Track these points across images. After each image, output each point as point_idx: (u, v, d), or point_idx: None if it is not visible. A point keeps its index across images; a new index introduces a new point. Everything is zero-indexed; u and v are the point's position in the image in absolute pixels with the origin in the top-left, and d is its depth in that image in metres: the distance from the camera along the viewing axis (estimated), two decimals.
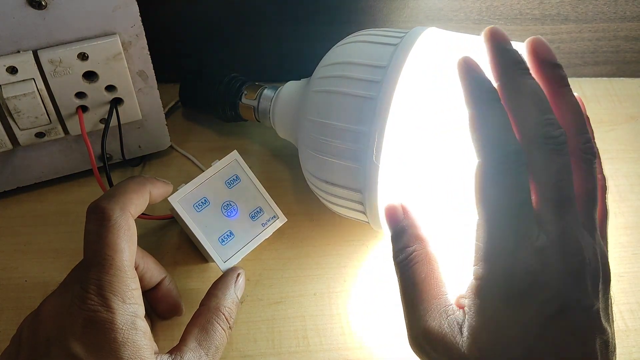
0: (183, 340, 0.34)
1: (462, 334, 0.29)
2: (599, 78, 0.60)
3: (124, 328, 0.30)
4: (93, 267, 0.31)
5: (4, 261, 0.43)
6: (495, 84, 0.31)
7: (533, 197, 0.29)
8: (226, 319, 0.36)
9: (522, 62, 0.31)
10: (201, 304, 0.37)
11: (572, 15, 0.53)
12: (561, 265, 0.28)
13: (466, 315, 0.30)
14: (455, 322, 0.30)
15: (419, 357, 0.32)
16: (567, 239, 0.28)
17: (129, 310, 0.31)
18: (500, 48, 0.31)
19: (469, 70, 0.31)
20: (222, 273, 0.39)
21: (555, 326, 0.28)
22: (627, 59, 0.58)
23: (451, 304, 0.31)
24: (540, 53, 0.31)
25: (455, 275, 0.33)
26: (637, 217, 0.49)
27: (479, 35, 0.38)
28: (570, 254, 0.28)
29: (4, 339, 0.39)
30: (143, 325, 0.31)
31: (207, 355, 0.34)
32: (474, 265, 0.29)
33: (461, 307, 0.31)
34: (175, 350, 0.33)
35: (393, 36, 0.37)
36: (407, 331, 0.33)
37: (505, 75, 0.31)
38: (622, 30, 0.55)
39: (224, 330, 0.35)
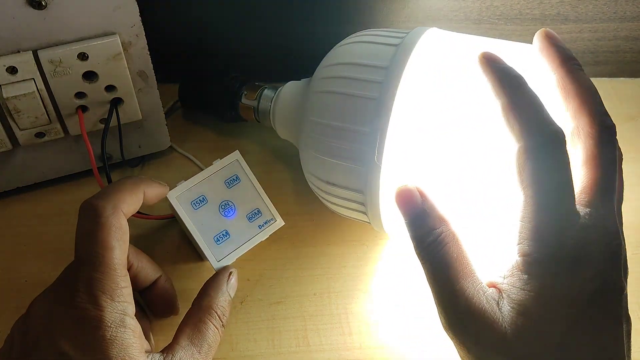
0: (175, 339, 0.34)
1: (500, 310, 0.30)
2: (599, 78, 0.60)
3: (112, 326, 0.30)
4: (83, 265, 0.31)
5: (4, 261, 0.43)
6: (553, 74, 0.32)
7: (584, 180, 0.31)
8: (219, 317, 0.36)
9: (576, 59, 0.33)
10: (193, 303, 0.37)
11: (572, 15, 0.53)
12: (602, 246, 0.29)
13: (506, 292, 0.30)
14: (492, 298, 0.30)
15: (458, 338, 0.31)
16: (609, 223, 0.30)
17: (118, 308, 0.31)
18: (558, 45, 0.33)
19: (491, 62, 0.32)
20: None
21: (595, 305, 0.29)
22: (627, 59, 0.58)
23: (482, 282, 0.31)
24: None
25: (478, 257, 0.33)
26: (637, 217, 0.49)
27: (479, 35, 0.38)
28: (610, 237, 0.30)
29: (3, 339, 0.39)
30: (132, 323, 0.31)
31: (199, 353, 0.34)
32: (518, 244, 0.30)
33: (493, 285, 0.31)
34: (167, 349, 0.33)
35: (394, 36, 0.37)
36: (444, 314, 0.32)
37: (565, 66, 0.32)
38: (622, 30, 0.55)
39: (216, 328, 0.35)
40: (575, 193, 0.30)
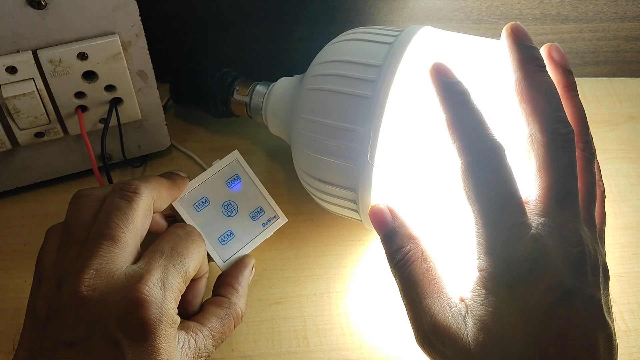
0: (201, 324, 0.34)
1: (466, 324, 0.30)
2: (599, 78, 0.60)
3: (169, 323, 0.30)
4: (165, 255, 0.32)
5: (4, 261, 0.43)
6: (513, 76, 0.32)
7: (538, 189, 0.30)
8: (241, 318, 0.37)
9: (540, 59, 0.32)
10: (220, 293, 0.37)
11: (572, 15, 0.53)
12: (561, 255, 0.29)
13: (469, 307, 0.30)
14: (458, 314, 0.30)
15: (428, 354, 0.32)
16: (567, 230, 0.29)
17: (175, 306, 0.31)
18: (520, 43, 0.32)
19: (439, 75, 0.32)
20: (222, 272, 0.40)
21: (557, 315, 0.28)
22: (627, 59, 0.58)
23: (451, 297, 0.31)
24: (555, 57, 0.33)
25: (454, 270, 0.33)
26: (637, 217, 0.49)
27: (478, 35, 0.38)
28: (570, 244, 0.29)
29: (3, 339, 0.39)
30: (178, 319, 0.32)
31: (213, 347, 0.34)
32: (477, 259, 0.30)
33: (462, 300, 0.31)
34: (191, 331, 0.34)
35: (388, 35, 0.37)
36: (414, 330, 0.33)
37: (523, 69, 0.32)
38: (622, 30, 0.55)
39: (234, 327, 0.36)
40: (531, 202, 0.30)
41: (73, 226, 0.33)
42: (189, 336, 0.33)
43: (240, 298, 0.37)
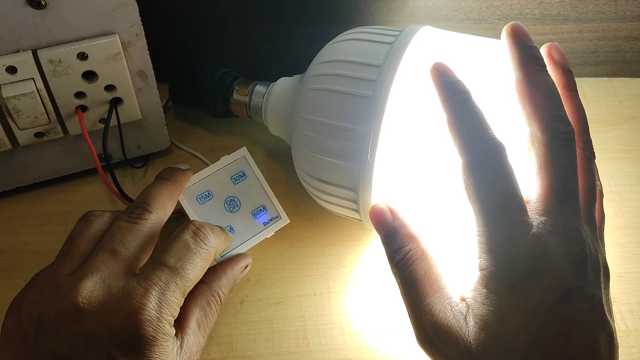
0: (186, 319, 0.34)
1: (467, 324, 0.30)
2: (599, 78, 0.60)
3: (166, 338, 0.31)
4: (168, 270, 0.32)
5: (4, 261, 0.43)
6: (513, 76, 0.32)
7: (539, 188, 0.30)
8: (221, 303, 0.37)
9: (540, 58, 0.32)
10: (205, 280, 0.37)
11: (572, 15, 0.53)
12: (562, 253, 0.29)
13: (470, 307, 0.30)
14: (459, 313, 0.30)
15: (429, 353, 0.32)
16: (568, 229, 0.29)
17: (172, 322, 0.31)
18: (520, 43, 0.32)
19: (439, 74, 0.32)
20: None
21: (559, 314, 0.28)
22: (627, 59, 0.58)
23: (452, 297, 0.31)
24: (555, 57, 0.33)
25: (454, 269, 0.33)
26: (637, 217, 0.49)
27: (478, 35, 0.38)
28: (571, 243, 0.29)
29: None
30: (173, 331, 0.32)
31: (203, 338, 0.34)
32: (478, 258, 0.30)
33: (463, 299, 0.31)
34: (181, 331, 0.33)
35: (388, 34, 0.37)
36: (415, 329, 0.33)
37: (524, 68, 0.32)
38: (622, 30, 0.55)
39: (217, 313, 0.36)
40: (532, 202, 0.30)
41: (78, 238, 0.33)
42: (179, 339, 0.33)
43: (222, 287, 0.37)
